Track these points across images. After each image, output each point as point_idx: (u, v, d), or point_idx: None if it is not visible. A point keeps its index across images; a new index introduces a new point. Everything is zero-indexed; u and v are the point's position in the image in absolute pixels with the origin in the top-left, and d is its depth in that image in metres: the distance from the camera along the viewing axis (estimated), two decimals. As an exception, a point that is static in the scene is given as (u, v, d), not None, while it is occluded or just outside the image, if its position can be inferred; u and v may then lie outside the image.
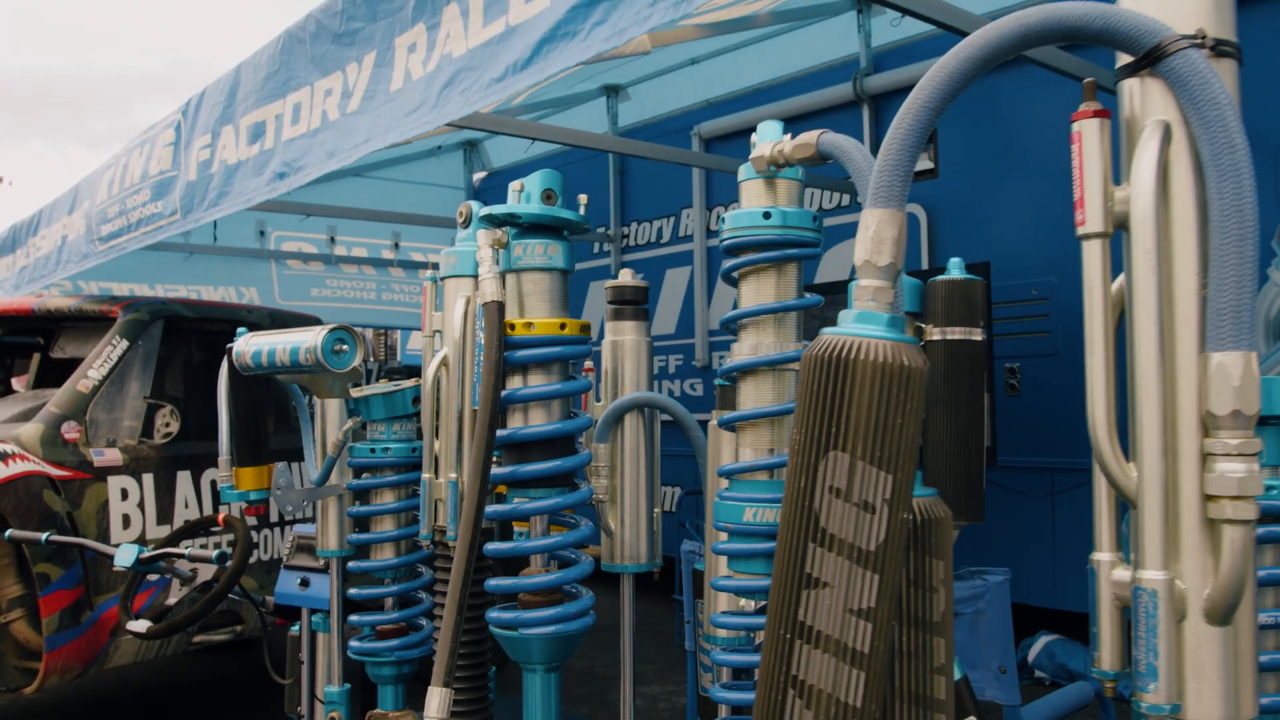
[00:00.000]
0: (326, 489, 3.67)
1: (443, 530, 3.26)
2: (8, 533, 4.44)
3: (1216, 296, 1.61)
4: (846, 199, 7.88)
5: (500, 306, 2.83)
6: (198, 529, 4.73)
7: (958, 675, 2.62)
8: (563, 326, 2.96)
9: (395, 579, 3.62)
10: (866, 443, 1.67)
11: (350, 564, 3.67)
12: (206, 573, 4.84)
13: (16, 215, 8.04)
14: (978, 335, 2.78)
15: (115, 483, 5.09)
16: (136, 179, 5.71)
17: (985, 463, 2.91)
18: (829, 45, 8.03)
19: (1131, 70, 1.75)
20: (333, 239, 11.16)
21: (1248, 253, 1.59)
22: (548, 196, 2.97)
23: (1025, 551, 6.53)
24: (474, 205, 3.27)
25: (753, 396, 2.44)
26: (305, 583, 3.93)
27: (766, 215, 2.41)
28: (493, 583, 3.05)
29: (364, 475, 3.59)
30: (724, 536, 2.46)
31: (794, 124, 7.81)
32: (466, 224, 3.28)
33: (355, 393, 3.60)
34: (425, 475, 3.32)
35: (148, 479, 5.23)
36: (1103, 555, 1.90)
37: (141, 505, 5.18)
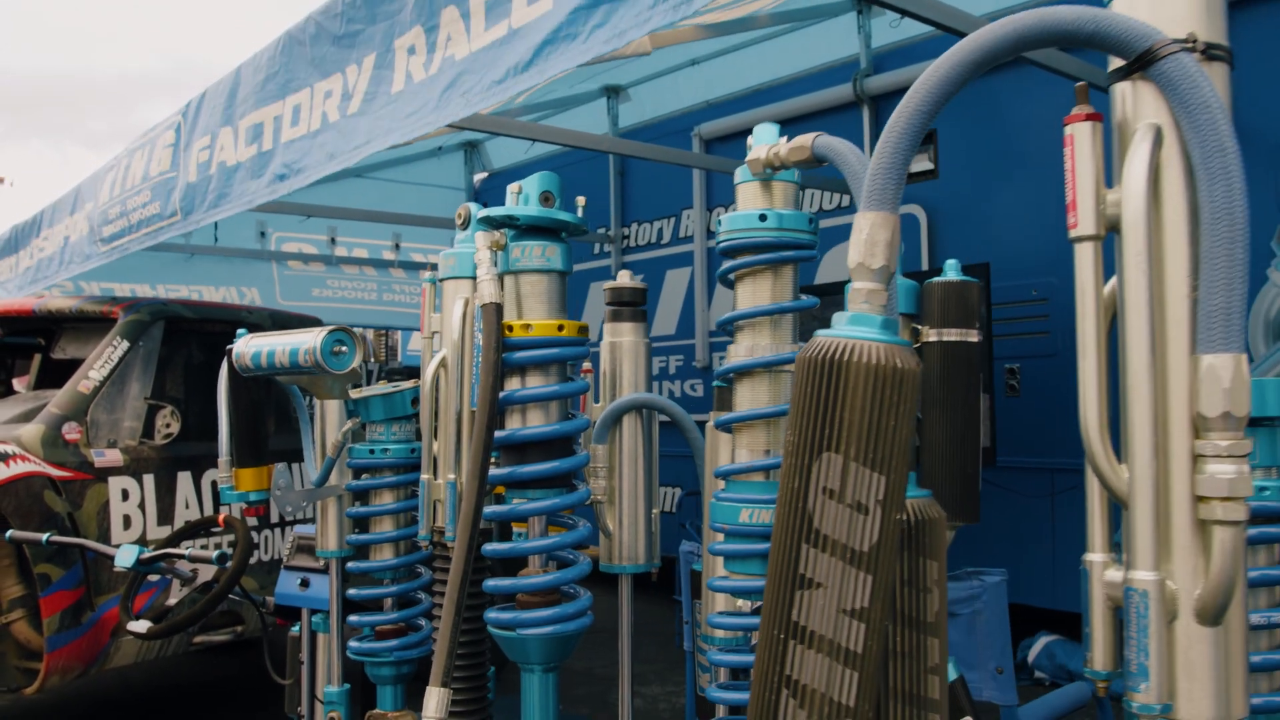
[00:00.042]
0: (326, 490, 3.68)
1: (441, 531, 3.27)
2: (9, 533, 4.45)
3: (1207, 299, 1.62)
4: (846, 200, 7.89)
5: (498, 308, 2.84)
6: (198, 530, 4.74)
7: (954, 675, 2.63)
8: (560, 328, 2.97)
9: (394, 579, 3.63)
10: (859, 444, 1.68)
11: (349, 564, 3.68)
12: (207, 573, 4.85)
13: (17, 216, 8.06)
14: (974, 337, 2.79)
15: (116, 483, 5.11)
16: (138, 180, 5.73)
17: (982, 463, 2.92)
18: (829, 46, 8.03)
19: (1123, 74, 1.75)
20: (333, 240, 11.17)
21: (1238, 255, 1.60)
22: (545, 198, 2.98)
23: (1025, 552, 6.53)
24: (472, 207, 3.28)
25: (749, 398, 2.45)
26: (305, 583, 3.94)
27: (762, 218, 2.42)
28: (491, 583, 3.07)
29: (363, 476, 3.61)
30: (721, 537, 2.47)
31: (794, 125, 7.83)
32: (465, 226, 3.29)
33: (354, 394, 3.61)
34: (424, 476, 3.33)
35: (148, 480, 5.24)
36: (1095, 556, 1.91)
37: (142, 506, 5.19)
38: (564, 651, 3.07)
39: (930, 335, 2.81)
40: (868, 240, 1.74)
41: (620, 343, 3.43)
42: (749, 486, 2.43)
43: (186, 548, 4.17)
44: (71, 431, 5.02)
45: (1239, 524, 1.61)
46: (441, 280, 3.38)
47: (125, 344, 5.38)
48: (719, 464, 2.83)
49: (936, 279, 2.80)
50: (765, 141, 2.39)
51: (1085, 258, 1.80)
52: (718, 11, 6.94)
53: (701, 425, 3.40)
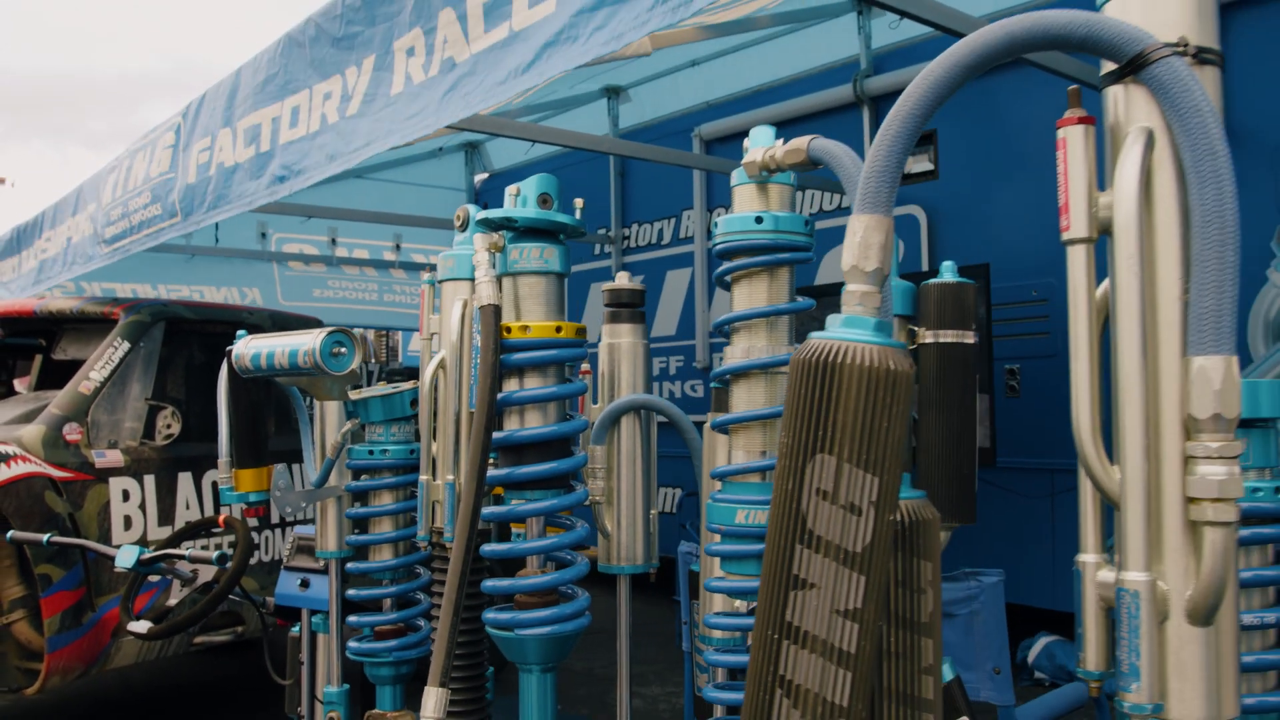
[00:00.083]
0: (325, 491, 3.69)
1: (440, 532, 3.28)
2: (9, 534, 4.46)
3: (1198, 301, 1.63)
4: (846, 200, 7.89)
5: (496, 310, 2.85)
6: (199, 530, 4.75)
7: (951, 676, 2.63)
8: (558, 329, 2.98)
9: (393, 580, 3.64)
10: (853, 446, 1.69)
11: (349, 565, 3.69)
12: (207, 574, 4.87)
13: (18, 216, 8.08)
14: (969, 338, 2.80)
15: (117, 484, 5.12)
16: (139, 182, 5.74)
17: (982, 464, 2.93)
18: (829, 47, 8.04)
19: (1115, 77, 1.77)
20: (334, 240, 11.19)
21: (1228, 258, 1.61)
22: (544, 201, 2.99)
23: (1025, 552, 6.54)
24: (471, 209, 3.29)
25: (745, 399, 2.46)
26: (305, 584, 3.95)
27: (759, 220, 2.43)
28: (489, 583, 3.08)
29: (362, 477, 3.62)
30: (718, 538, 2.48)
31: (794, 125, 7.85)
32: (464, 228, 3.30)
33: (353, 395, 3.62)
34: (423, 477, 3.35)
35: (149, 480, 5.25)
36: (1088, 557, 1.92)
37: (143, 506, 5.20)
38: (562, 652, 3.08)
39: (926, 337, 2.82)
40: (861, 243, 1.75)
41: (619, 344, 3.44)
42: (745, 488, 2.44)
43: (187, 548, 4.18)
44: (72, 432, 5.04)
45: (1230, 525, 1.62)
46: (440, 282, 3.39)
47: (126, 345, 5.39)
48: (716, 465, 2.84)
49: (932, 280, 2.81)
50: (761, 144, 2.41)
51: (1078, 260, 1.81)
52: (718, 12, 6.95)
53: (700, 426, 3.40)
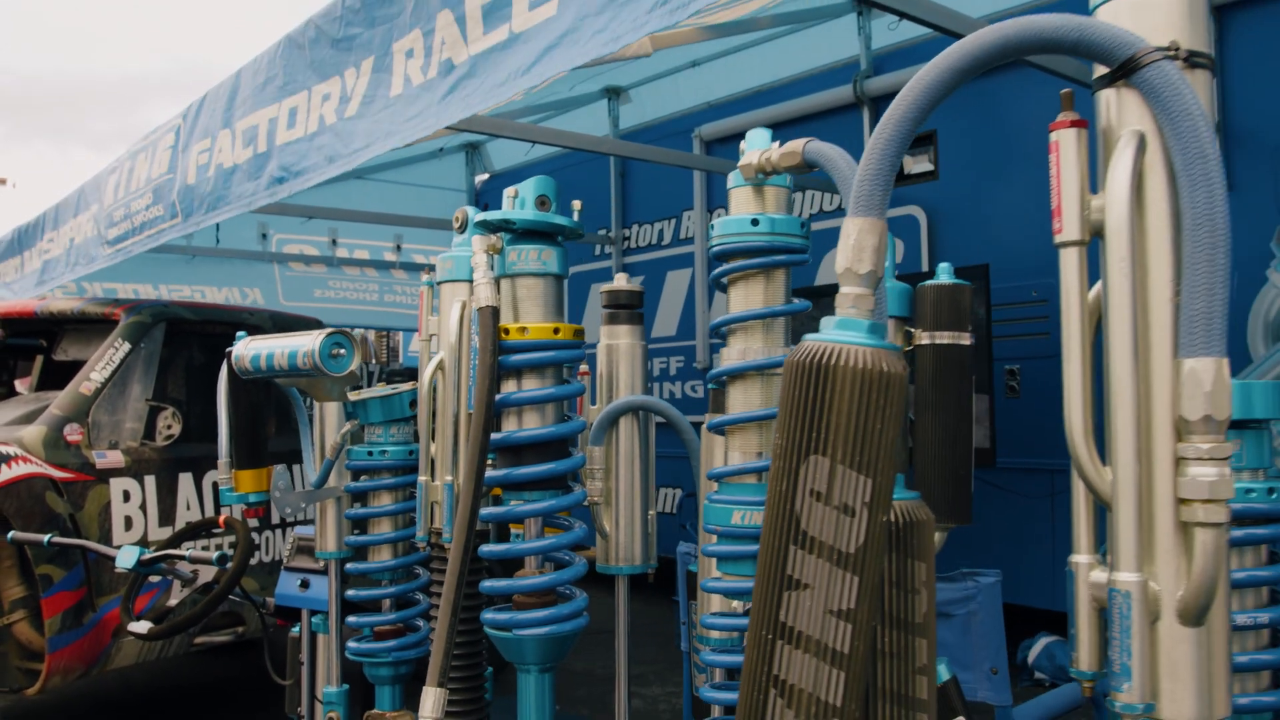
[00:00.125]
0: (324, 491, 3.70)
1: (439, 532, 3.29)
2: (10, 534, 4.47)
3: (1189, 304, 1.64)
4: (844, 202, 7.89)
5: (495, 311, 2.86)
6: (199, 531, 4.76)
7: (947, 676, 2.64)
8: (556, 331, 2.99)
9: (392, 580, 3.65)
10: (846, 447, 1.70)
11: (348, 565, 3.70)
12: (207, 574, 4.88)
13: (20, 217, 8.10)
14: (966, 340, 2.80)
15: (117, 484, 5.13)
16: (141, 183, 5.76)
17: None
18: (829, 48, 8.05)
19: (1107, 81, 1.78)
20: (334, 241, 11.21)
21: (1219, 261, 1.62)
22: (542, 202, 3.00)
23: (1025, 553, 6.55)
24: (469, 211, 3.30)
25: (741, 401, 2.47)
26: (305, 584, 3.96)
27: (755, 222, 2.44)
28: (487, 584, 3.09)
29: (362, 478, 3.63)
30: (715, 539, 2.49)
31: (794, 126, 7.87)
32: (462, 229, 3.31)
33: (353, 396, 3.63)
34: (422, 478, 3.35)
35: (149, 481, 5.27)
36: (1081, 557, 1.93)
37: (143, 507, 5.22)
38: (560, 652, 3.09)
39: (923, 338, 2.83)
40: (855, 246, 1.76)
41: (617, 345, 3.45)
42: (741, 489, 2.45)
43: (187, 549, 4.19)
44: (73, 433, 5.05)
45: (1220, 526, 1.63)
46: (439, 283, 3.41)
47: (127, 346, 5.40)
48: (714, 466, 2.85)
49: (929, 282, 2.82)
50: (757, 147, 2.42)
51: (1070, 263, 1.82)
52: (718, 12, 6.96)
53: (698, 427, 3.41)
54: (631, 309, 3.47)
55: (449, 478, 3.20)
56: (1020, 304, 6.63)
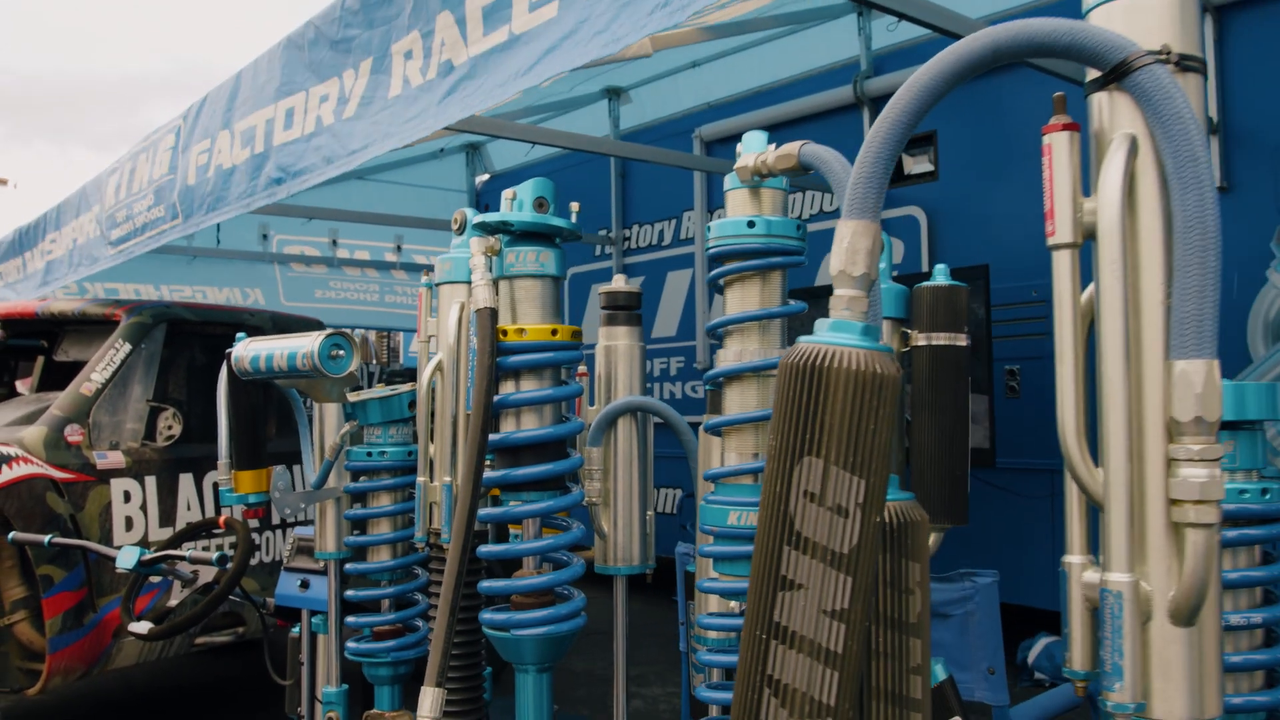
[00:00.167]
0: (324, 492, 3.71)
1: (438, 533, 3.30)
2: (11, 535, 4.48)
3: (1180, 306, 1.65)
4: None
5: (493, 313, 2.87)
6: (199, 531, 4.77)
7: (944, 675, 2.65)
8: (554, 332, 3.00)
9: (391, 581, 3.67)
10: (840, 448, 1.71)
11: (347, 566, 3.71)
12: (207, 575, 4.89)
13: (21, 218, 8.11)
14: (962, 341, 2.82)
15: (118, 485, 5.14)
16: (143, 184, 5.78)
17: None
18: (829, 48, 8.05)
19: (1100, 85, 1.79)
20: (335, 242, 11.23)
21: (1210, 263, 1.63)
22: (540, 204, 3.01)
23: (1025, 553, 6.55)
24: (468, 212, 3.31)
25: (737, 402, 2.48)
26: (305, 585, 3.97)
27: (751, 224, 2.45)
28: (485, 584, 3.10)
29: (361, 478, 3.64)
30: (711, 539, 2.50)
31: (795, 127, 7.86)
32: (461, 231, 3.33)
33: (352, 397, 3.64)
34: (420, 479, 3.36)
35: (150, 481, 5.28)
36: (1074, 558, 1.94)
37: (144, 508, 5.23)
38: (558, 652, 3.10)
39: (919, 339, 2.84)
40: (849, 248, 1.78)
41: (615, 346, 3.46)
42: (737, 489, 2.46)
43: (188, 549, 4.20)
44: (74, 433, 5.06)
45: (1211, 526, 1.64)
46: (437, 285, 3.42)
47: (127, 346, 5.41)
48: (710, 467, 2.86)
49: (925, 284, 2.84)
50: (753, 149, 2.43)
51: (1063, 265, 1.83)
52: (718, 13, 6.97)
53: (698, 427, 3.42)
54: (630, 310, 3.48)
55: (447, 478, 3.22)
56: (1020, 304, 6.63)
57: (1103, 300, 1.73)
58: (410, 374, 10.05)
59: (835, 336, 1.75)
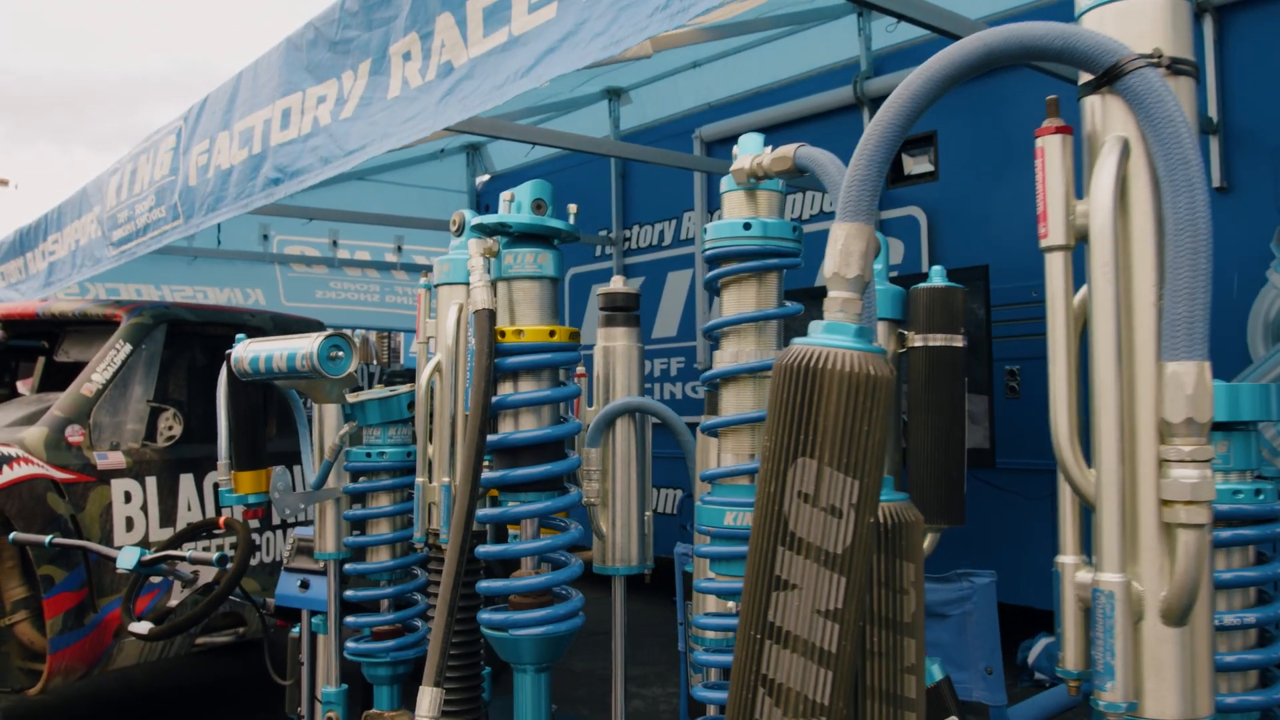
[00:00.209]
0: (323, 493, 3.72)
1: (436, 533, 3.32)
2: (12, 535, 4.49)
3: (1171, 308, 1.66)
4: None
5: (491, 314, 2.88)
6: (200, 532, 4.78)
7: (940, 675, 2.66)
8: (552, 334, 3.01)
9: (391, 581, 3.68)
10: (834, 449, 1.72)
11: (346, 566, 3.72)
12: (208, 575, 4.90)
13: (23, 218, 8.13)
14: (958, 342, 2.83)
15: (118, 486, 5.16)
16: (144, 185, 5.79)
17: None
18: (829, 49, 8.05)
19: (1092, 88, 1.80)
20: (335, 242, 11.24)
21: (1201, 265, 1.64)
22: (538, 206, 3.02)
23: (1025, 553, 6.54)
24: (467, 214, 3.33)
25: (734, 403, 2.49)
26: (305, 585, 3.98)
27: (747, 226, 2.46)
28: (483, 584, 3.11)
29: (360, 479, 3.65)
30: (708, 539, 2.51)
31: (795, 127, 7.86)
32: (459, 233, 3.34)
33: (351, 398, 3.65)
34: (419, 479, 3.38)
35: (151, 482, 5.29)
36: (1067, 558, 1.95)
37: (144, 508, 5.24)
38: (555, 652, 3.11)
39: (916, 340, 2.85)
40: (843, 251, 1.79)
41: (613, 347, 3.47)
42: (733, 490, 2.47)
43: (188, 550, 4.21)
44: (74, 434, 5.07)
45: (1202, 527, 1.65)
46: (436, 286, 3.43)
47: (128, 347, 5.42)
48: (708, 468, 2.87)
49: (921, 285, 2.85)
50: (749, 151, 2.44)
51: (1055, 267, 1.84)
52: (717, 12, 6.97)
53: (694, 428, 3.43)
54: (628, 311, 3.49)
55: (446, 479, 3.23)
56: (1020, 304, 6.63)
57: (1095, 302, 1.74)
58: (410, 375, 10.06)
59: (829, 338, 1.76)
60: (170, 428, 5.40)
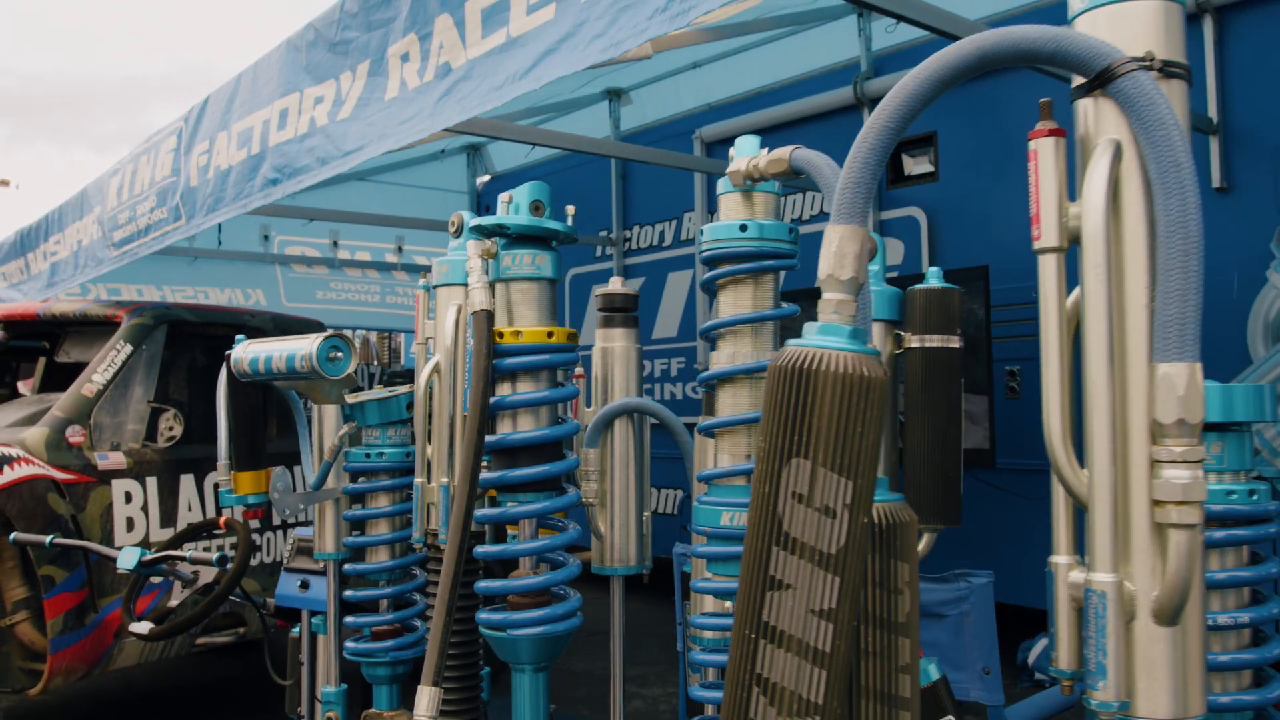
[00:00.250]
0: (323, 493, 3.73)
1: (435, 533, 3.32)
2: (12, 535, 4.50)
3: (1162, 309, 1.67)
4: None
5: (489, 315, 2.89)
6: (200, 532, 4.79)
7: (937, 675, 2.67)
8: (550, 335, 3.02)
9: (390, 581, 3.69)
10: (828, 450, 1.73)
11: (345, 566, 3.73)
12: (208, 575, 4.91)
13: (24, 219, 8.14)
14: (955, 343, 2.84)
15: (119, 486, 5.17)
16: (145, 185, 5.80)
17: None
18: (829, 49, 8.06)
19: (1084, 91, 1.81)
20: (336, 243, 11.25)
21: (1192, 267, 1.65)
22: (535, 208, 3.03)
23: (1024, 553, 6.51)
24: (465, 215, 3.34)
25: (730, 404, 2.50)
26: (305, 585, 3.99)
27: (743, 228, 2.47)
28: (481, 584, 3.12)
29: (360, 479, 3.66)
30: (704, 540, 2.52)
31: (795, 128, 7.86)
32: (458, 234, 3.35)
33: (350, 399, 3.66)
34: (418, 480, 3.38)
35: (151, 482, 5.30)
36: (1060, 558, 1.96)
37: (145, 508, 5.25)
38: (554, 652, 3.12)
39: (912, 341, 2.86)
40: (837, 253, 1.80)
41: (612, 348, 3.47)
42: (730, 490, 2.48)
43: (188, 550, 4.22)
44: (75, 434, 5.08)
45: (1193, 527, 1.66)
46: (435, 287, 3.44)
47: (129, 347, 5.43)
48: (705, 468, 2.88)
49: (918, 286, 2.86)
50: (745, 153, 2.45)
51: (1048, 269, 1.85)
52: (717, 12, 6.97)
53: (692, 428, 3.44)
54: (626, 312, 3.50)
55: (445, 479, 3.24)
56: (1020, 305, 6.62)
57: (1087, 303, 1.75)
58: (410, 375, 10.08)
59: (823, 340, 1.77)
60: (171, 428, 5.41)
